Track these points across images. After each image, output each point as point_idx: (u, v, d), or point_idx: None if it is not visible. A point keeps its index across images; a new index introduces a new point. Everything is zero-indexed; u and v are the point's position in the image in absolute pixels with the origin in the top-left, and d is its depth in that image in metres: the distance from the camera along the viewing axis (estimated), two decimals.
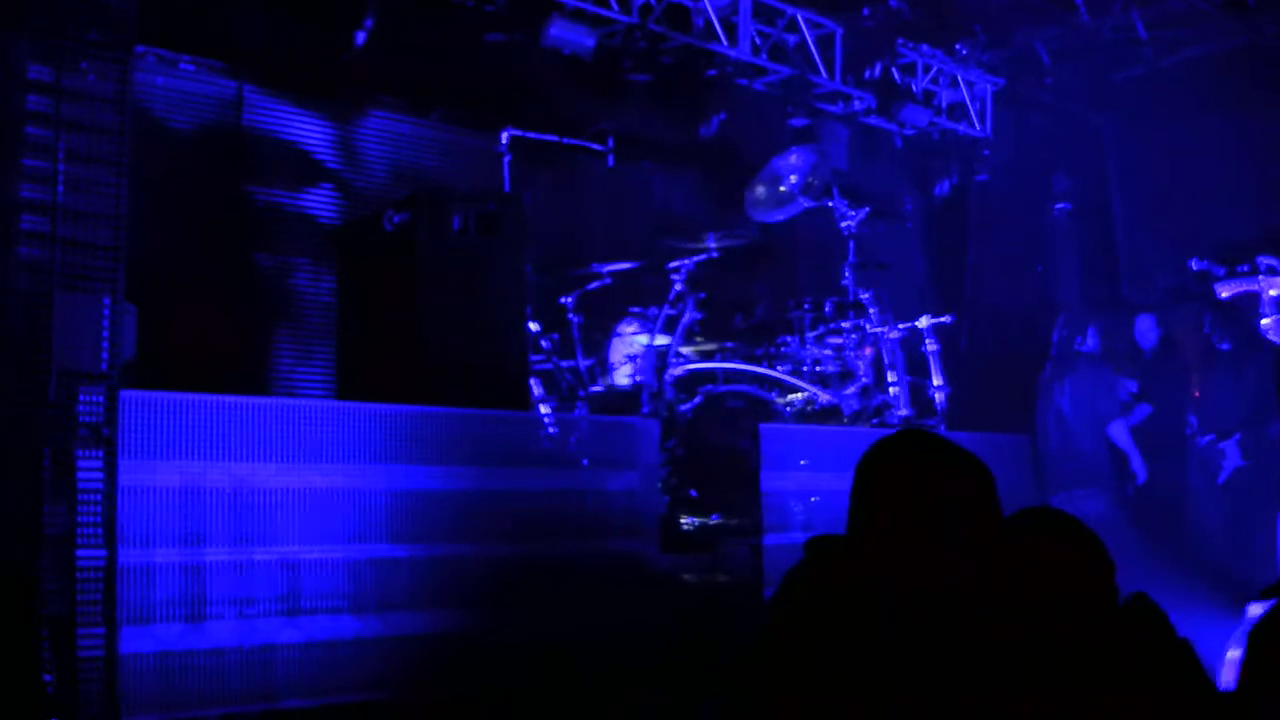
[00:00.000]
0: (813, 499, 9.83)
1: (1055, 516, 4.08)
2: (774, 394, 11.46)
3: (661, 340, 11.07)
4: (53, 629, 6.25)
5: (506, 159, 11.47)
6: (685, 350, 11.38)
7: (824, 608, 3.35)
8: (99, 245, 6.47)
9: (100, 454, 6.46)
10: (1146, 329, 13.31)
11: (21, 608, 6.20)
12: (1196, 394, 13.56)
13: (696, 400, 10.98)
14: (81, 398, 6.42)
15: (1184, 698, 3.54)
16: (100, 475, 6.45)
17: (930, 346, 11.96)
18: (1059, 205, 15.84)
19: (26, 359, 6.27)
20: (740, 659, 3.45)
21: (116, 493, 6.49)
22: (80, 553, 6.39)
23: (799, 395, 11.54)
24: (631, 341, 11.33)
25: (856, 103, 13.82)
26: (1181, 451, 12.77)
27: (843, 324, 11.75)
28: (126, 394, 6.72)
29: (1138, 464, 11.08)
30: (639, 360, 11.06)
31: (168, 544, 6.95)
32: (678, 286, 11.18)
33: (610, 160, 12.36)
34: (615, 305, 11.69)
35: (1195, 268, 12.23)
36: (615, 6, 11.47)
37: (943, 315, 12.06)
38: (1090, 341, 11.17)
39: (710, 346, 11.71)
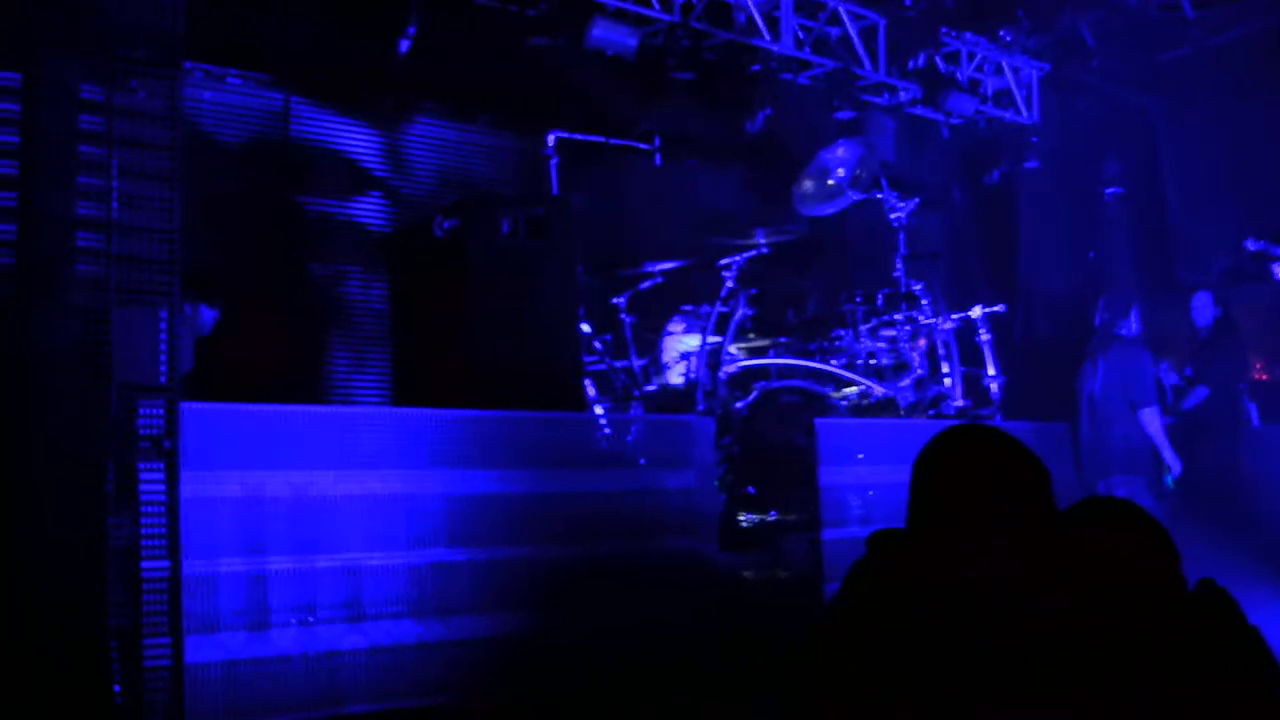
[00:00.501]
0: (870, 493, 9.81)
1: (1119, 505, 4.04)
2: (829, 388, 11.44)
3: (714, 338, 11.06)
4: (119, 640, 6.31)
5: (553, 161, 11.50)
6: (738, 347, 11.37)
7: (887, 603, 3.33)
8: (154, 259, 6.52)
9: (162, 466, 6.51)
10: (1203, 306, 13.21)
11: (89, 619, 6.26)
12: (1261, 376, 13.47)
13: (751, 397, 10.97)
14: (142, 411, 6.47)
15: (1255, 685, 3.51)
16: (162, 487, 6.50)
17: (984, 336, 11.93)
18: (1109, 190, 15.77)
19: (87, 374, 6.33)
20: (797, 656, 3.43)
21: (178, 504, 6.54)
22: (144, 564, 6.44)
23: (854, 389, 11.52)
24: (684, 340, 11.33)
25: (902, 94, 13.79)
26: (1234, 435, 12.69)
27: (895, 316, 11.72)
28: (186, 406, 6.77)
29: (1169, 455, 10.89)
30: (692, 358, 11.06)
31: (230, 554, 7.00)
32: (729, 283, 11.18)
33: (657, 159, 12.37)
34: (667, 304, 11.70)
35: (1251, 248, 12.19)
36: (656, 6, 11.49)
37: (995, 305, 12.02)
38: (1130, 324, 11.00)
39: (763, 343, 11.70)
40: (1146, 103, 15.82)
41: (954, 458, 3.55)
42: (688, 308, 11.54)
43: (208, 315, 9.91)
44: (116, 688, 6.22)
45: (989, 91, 14.46)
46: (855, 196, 12.27)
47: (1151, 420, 10.70)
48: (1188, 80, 14.73)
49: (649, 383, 11.33)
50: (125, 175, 6.47)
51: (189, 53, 7.04)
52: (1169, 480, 10.96)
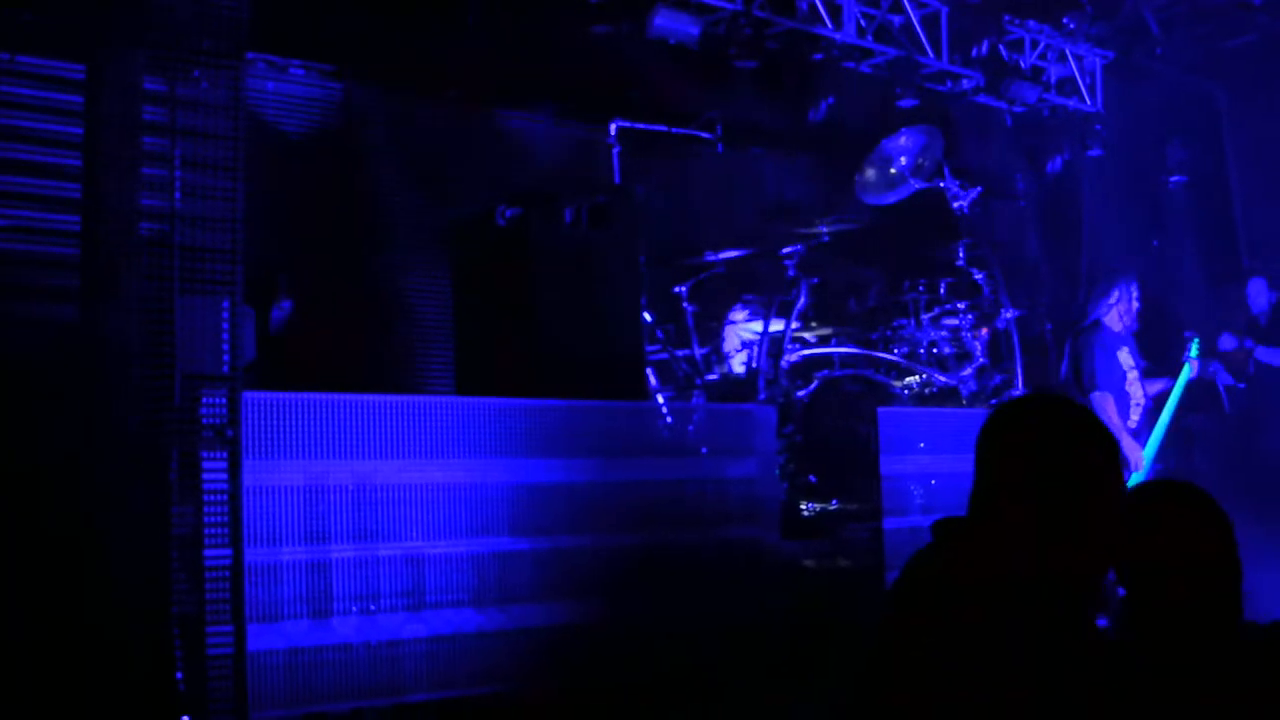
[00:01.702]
0: (932, 482, 9.78)
1: (1176, 486, 4.00)
2: (890, 377, 11.41)
3: (776, 326, 11.04)
4: (182, 627, 6.36)
5: (616, 150, 11.47)
6: (800, 336, 11.35)
7: (950, 595, 3.16)
8: (217, 249, 6.57)
9: (225, 455, 6.56)
10: (1257, 292, 13.14)
11: (153, 607, 6.31)
12: None
13: (813, 386, 10.94)
14: (205, 400, 6.52)
15: None
16: (225, 476, 6.55)
17: (1046, 325, 11.89)
18: (1174, 178, 15.66)
19: (150, 363, 6.38)
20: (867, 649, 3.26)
21: (241, 492, 6.59)
22: (207, 552, 6.49)
23: (916, 378, 11.50)
24: (746, 329, 11.32)
25: (965, 82, 13.73)
26: None
27: (958, 305, 11.68)
28: (249, 395, 6.81)
29: (1128, 447, 10.61)
30: (754, 347, 11.05)
31: (293, 542, 7.04)
32: (790, 272, 11.15)
33: (719, 148, 12.31)
34: (729, 293, 11.69)
35: None
36: None
37: (1059, 294, 11.99)
38: (1095, 309, 10.81)
39: (825, 331, 11.68)
40: (1211, 90, 15.69)
41: (1022, 435, 3.30)
42: (750, 296, 11.53)
43: (280, 311, 9.99)
44: (180, 675, 6.27)
45: (1052, 79, 14.38)
46: (917, 185, 12.23)
47: (1101, 406, 10.51)
48: (1253, 67, 14.61)
49: (710, 371, 11.31)
50: (188, 166, 6.52)
51: (251, 43, 7.08)
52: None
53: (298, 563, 7.05)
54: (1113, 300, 10.81)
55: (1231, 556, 3.80)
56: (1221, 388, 12.89)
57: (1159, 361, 11.18)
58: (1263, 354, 12.98)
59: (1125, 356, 10.84)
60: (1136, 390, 10.82)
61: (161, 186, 6.48)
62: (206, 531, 6.49)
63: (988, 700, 2.98)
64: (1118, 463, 3.32)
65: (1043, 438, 3.26)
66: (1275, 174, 14.63)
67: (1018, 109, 14.38)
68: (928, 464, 9.81)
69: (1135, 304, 10.93)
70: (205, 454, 6.51)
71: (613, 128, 11.52)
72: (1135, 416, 10.80)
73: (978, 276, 11.72)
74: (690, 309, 11.30)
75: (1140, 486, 4.01)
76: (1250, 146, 15.45)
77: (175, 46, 6.55)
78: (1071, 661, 3.09)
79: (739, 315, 11.49)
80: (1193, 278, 15.68)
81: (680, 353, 11.27)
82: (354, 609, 7.21)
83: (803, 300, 11.21)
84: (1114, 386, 10.64)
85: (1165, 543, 3.76)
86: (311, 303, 10.68)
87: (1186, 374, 10.82)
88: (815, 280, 11.35)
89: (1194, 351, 10.91)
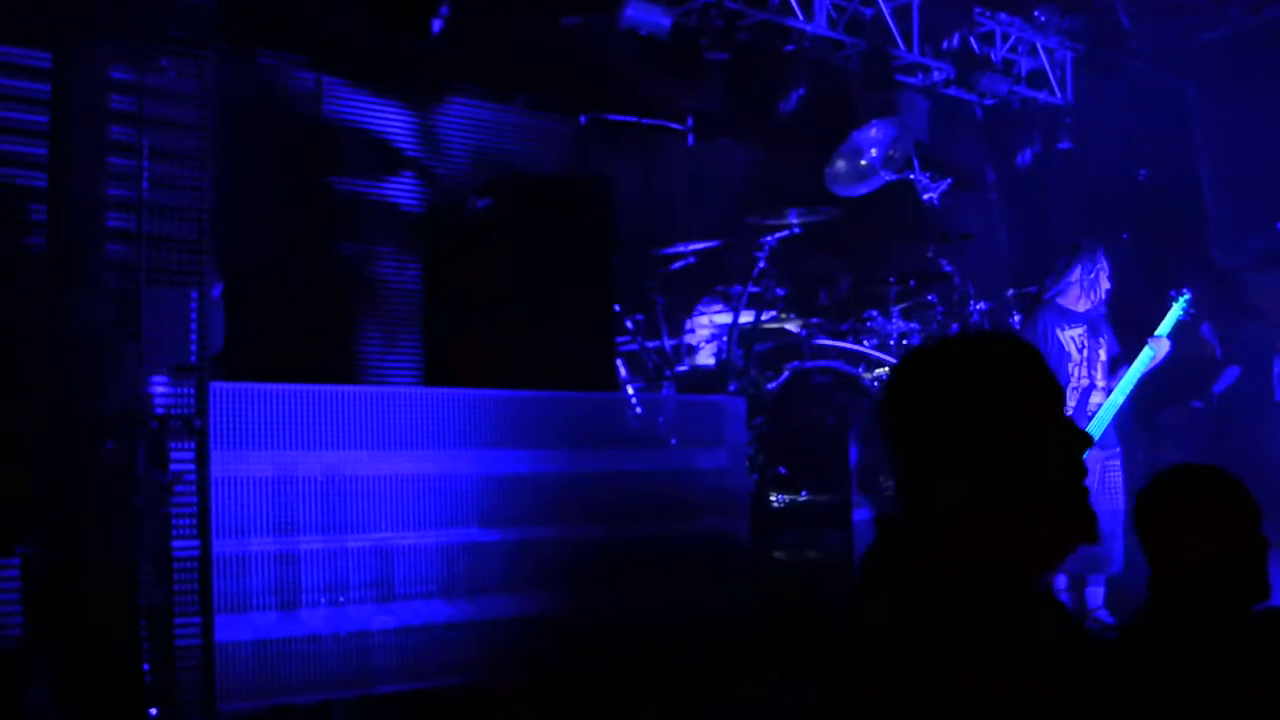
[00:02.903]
0: None
1: (1201, 474, 3.98)
2: (861, 369, 11.42)
3: (745, 317, 11.05)
4: (150, 619, 6.34)
5: (587, 141, 11.47)
6: (769, 327, 11.36)
7: (892, 595, 2.69)
8: (184, 240, 6.55)
9: (192, 445, 6.54)
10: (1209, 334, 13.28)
11: (119, 598, 6.29)
12: None
13: (783, 377, 10.95)
14: (172, 390, 6.50)
15: None
16: (192, 467, 6.53)
17: (1017, 318, 11.89)
18: (1143, 171, 15.70)
19: (118, 354, 6.36)
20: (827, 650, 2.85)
21: (209, 483, 6.57)
22: (175, 543, 6.48)
23: (886, 370, 11.50)
24: (716, 320, 11.33)
25: (935, 74, 13.76)
26: (1265, 414, 12.68)
27: (928, 297, 11.69)
28: (216, 385, 6.80)
29: None
30: (724, 338, 11.06)
31: (261, 533, 7.03)
32: (761, 264, 11.15)
33: (690, 139, 12.32)
34: (699, 284, 11.69)
35: None
36: None
37: (1028, 286, 11.96)
38: (1056, 284, 10.42)
39: (795, 323, 11.69)
40: (1182, 84, 15.74)
41: (935, 393, 2.74)
42: (720, 287, 11.53)
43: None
44: (146, 666, 6.26)
45: (1023, 72, 14.43)
46: (888, 177, 12.24)
47: None
48: (1223, 62, 14.66)
49: (680, 362, 11.32)
50: (156, 156, 6.50)
51: (220, 33, 7.05)
52: None
53: (266, 554, 7.04)
54: (1073, 277, 10.25)
55: (1255, 543, 3.81)
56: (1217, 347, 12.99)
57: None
58: (1220, 385, 13.04)
59: (1075, 337, 10.17)
60: (1080, 374, 10.17)
61: (129, 176, 6.46)
62: (174, 522, 6.49)
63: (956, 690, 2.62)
64: (1060, 401, 2.81)
65: (964, 391, 2.69)
66: (1245, 167, 14.68)
67: (988, 101, 14.42)
68: None
69: (1105, 283, 10.29)
70: (173, 444, 6.50)
71: (583, 119, 11.52)
72: (1070, 402, 10.24)
73: (948, 268, 11.73)
74: (660, 300, 11.30)
75: (1170, 472, 4.02)
76: (1219, 141, 15.51)
77: (144, 35, 6.53)
78: (1044, 654, 2.64)
79: (709, 306, 11.49)
80: (1160, 270, 15.74)
81: (650, 344, 11.27)
82: (322, 600, 7.21)
83: (773, 292, 11.22)
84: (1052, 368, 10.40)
85: (1191, 529, 3.78)
86: (280, 293, 10.64)
87: (1149, 356, 9.98)
88: (786, 271, 11.36)
89: (1167, 325, 10.07)
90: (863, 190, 12.51)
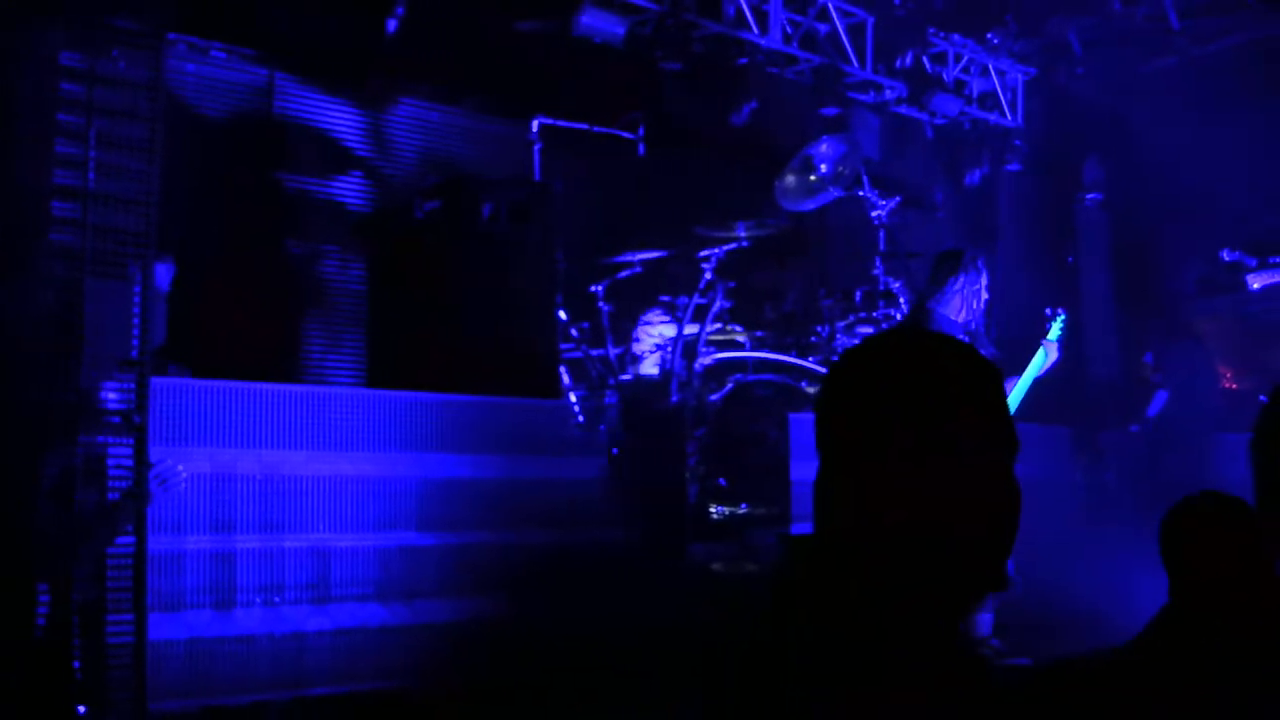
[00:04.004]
0: None
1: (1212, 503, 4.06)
2: (804, 383, 11.42)
3: (691, 329, 11.04)
4: (82, 615, 6.27)
5: (537, 147, 11.43)
6: (714, 339, 11.35)
7: (799, 621, 2.39)
8: (130, 231, 6.47)
9: (131, 441, 6.47)
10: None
11: (51, 594, 6.22)
12: (1231, 386, 13.53)
13: (726, 389, 10.94)
14: (113, 384, 6.43)
15: None
16: (130, 462, 6.46)
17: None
18: (1089, 195, 15.80)
19: (58, 346, 6.28)
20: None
21: (147, 479, 6.50)
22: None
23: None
24: (660, 330, 11.31)
25: (888, 92, 13.79)
26: (1204, 439, 12.76)
27: (874, 314, 11.70)
28: (157, 381, 6.74)
29: None
30: (668, 349, 11.04)
31: (198, 531, 6.98)
32: (708, 275, 11.14)
33: (641, 149, 12.30)
34: (645, 294, 11.67)
35: (1226, 259, 12.20)
36: None
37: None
38: (937, 294, 10.00)
39: (740, 335, 11.68)
40: (1129, 111, 15.84)
41: (858, 400, 2.38)
42: (665, 298, 11.52)
43: (162, 271, 9.78)
44: (77, 664, 6.18)
45: (974, 93, 14.47)
46: (837, 193, 12.25)
47: None
48: (1171, 90, 14.77)
49: (624, 371, 11.30)
50: (104, 145, 6.43)
51: (174, 24, 7.00)
52: None
53: (202, 552, 6.98)
54: (956, 286, 9.51)
55: (1256, 569, 3.87)
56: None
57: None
58: (1151, 409, 13.15)
59: None
60: None
61: (76, 165, 6.38)
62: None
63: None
64: (1013, 447, 2.39)
65: (889, 402, 2.33)
66: (1188, 194, 14.79)
67: (939, 121, 14.47)
68: None
69: (984, 293, 9.66)
70: (111, 439, 6.43)
71: (535, 124, 11.48)
72: None
73: (893, 285, 11.74)
74: (606, 308, 11.28)
75: (1186, 501, 4.09)
76: (1165, 167, 15.61)
77: (95, 23, 6.46)
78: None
79: (654, 316, 11.46)
80: (1103, 294, 15.84)
81: (594, 352, 11.25)
82: (258, 600, 7.16)
83: (719, 303, 11.20)
84: None
85: (1200, 555, 3.86)
86: (224, 288, 10.56)
87: (1041, 360, 9.74)
88: (732, 284, 11.35)
89: (1054, 333, 9.86)
90: (812, 205, 12.51)
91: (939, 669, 2.31)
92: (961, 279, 9.45)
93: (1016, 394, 9.61)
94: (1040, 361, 9.69)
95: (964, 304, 9.50)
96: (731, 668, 2.45)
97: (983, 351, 8.51)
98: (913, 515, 2.27)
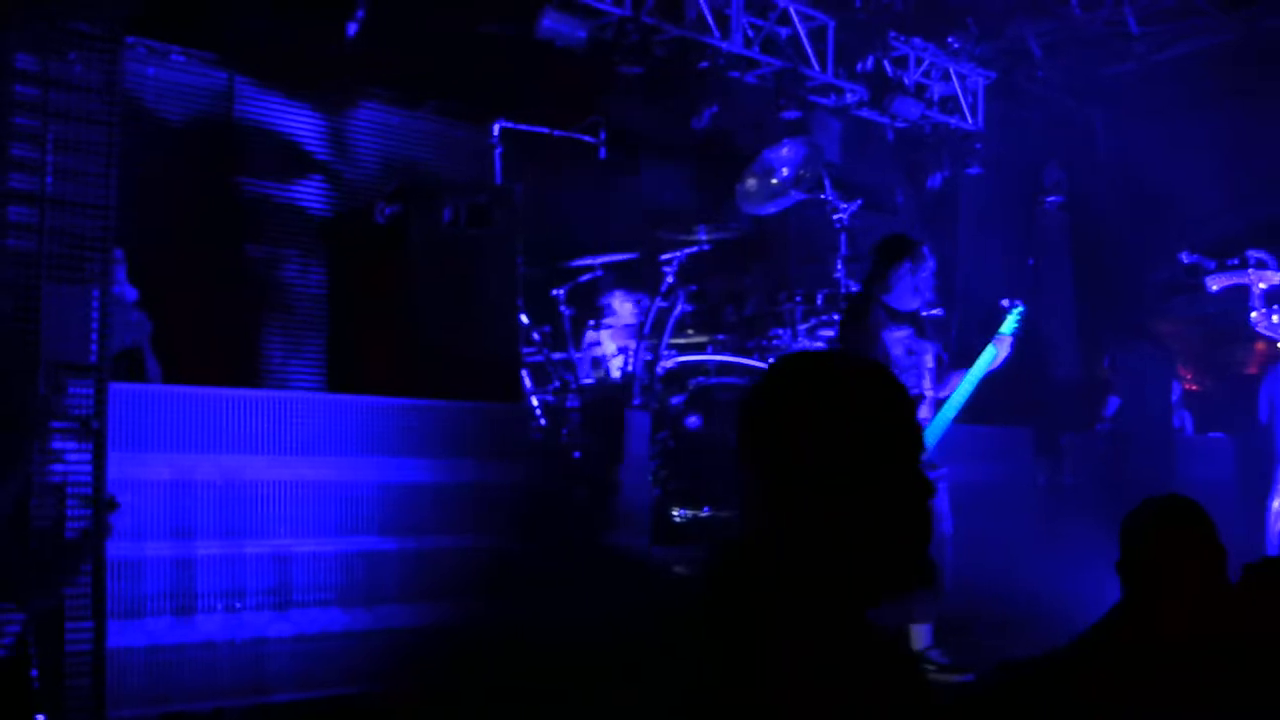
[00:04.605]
0: None
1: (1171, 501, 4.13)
2: None
3: (652, 332, 11.04)
4: (40, 623, 6.22)
5: (498, 151, 11.41)
6: (676, 343, 11.35)
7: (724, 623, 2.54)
8: (88, 236, 6.44)
9: (89, 446, 6.43)
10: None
11: (8, 601, 6.18)
12: (1192, 387, 13.61)
13: (687, 393, 10.94)
14: (70, 390, 6.39)
15: None
16: (89, 468, 6.42)
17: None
18: (1050, 199, 15.88)
19: (15, 351, 6.24)
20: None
21: (105, 485, 6.46)
22: None
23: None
24: (622, 334, 11.31)
25: (849, 95, 13.81)
26: (1168, 445, 12.84)
27: (834, 316, 11.71)
28: (116, 386, 6.70)
29: None
30: (629, 352, 11.03)
31: (157, 537, 6.93)
32: (669, 279, 11.14)
33: (602, 152, 12.29)
34: (607, 297, 11.67)
35: (1185, 261, 12.25)
36: None
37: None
38: (882, 281, 9.40)
39: (701, 339, 11.68)
40: (1089, 114, 15.93)
41: (769, 415, 2.60)
42: (626, 300, 11.51)
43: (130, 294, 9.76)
44: (35, 673, 6.14)
45: (935, 97, 14.51)
46: (798, 196, 12.27)
47: None
48: (1130, 94, 14.87)
49: (586, 375, 11.29)
50: (61, 149, 6.38)
51: (132, 27, 6.97)
52: None
53: (162, 558, 6.94)
54: (901, 275, 9.33)
55: (1209, 571, 3.94)
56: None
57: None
58: (1108, 410, 13.23)
59: (902, 339, 9.29)
60: (908, 381, 8.96)
61: (32, 169, 6.34)
62: (68, 525, 6.37)
63: None
64: (918, 443, 2.59)
65: (818, 414, 2.51)
66: (1147, 198, 14.87)
67: (900, 124, 14.49)
68: None
69: (930, 279, 9.56)
70: (69, 445, 6.38)
71: (496, 128, 11.46)
72: None
73: (855, 289, 11.76)
74: (567, 312, 11.28)
75: (1144, 504, 4.14)
76: (1124, 171, 15.71)
77: (52, 26, 6.42)
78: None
79: (622, 305, 11.45)
80: (1064, 297, 15.91)
81: (556, 355, 11.23)
82: (219, 606, 7.12)
83: (680, 307, 11.20)
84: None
85: (1155, 557, 3.93)
86: (184, 293, 10.51)
87: (990, 355, 9.38)
88: (694, 288, 11.36)
89: (1009, 325, 9.48)
90: (773, 209, 12.55)
91: (861, 661, 2.46)
92: (906, 266, 9.34)
93: (963, 389, 9.31)
94: (989, 357, 9.41)
95: (911, 294, 9.38)
96: (672, 662, 2.71)
97: (930, 342, 8.26)
98: (818, 516, 2.46)
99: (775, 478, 2.53)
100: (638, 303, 11.29)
